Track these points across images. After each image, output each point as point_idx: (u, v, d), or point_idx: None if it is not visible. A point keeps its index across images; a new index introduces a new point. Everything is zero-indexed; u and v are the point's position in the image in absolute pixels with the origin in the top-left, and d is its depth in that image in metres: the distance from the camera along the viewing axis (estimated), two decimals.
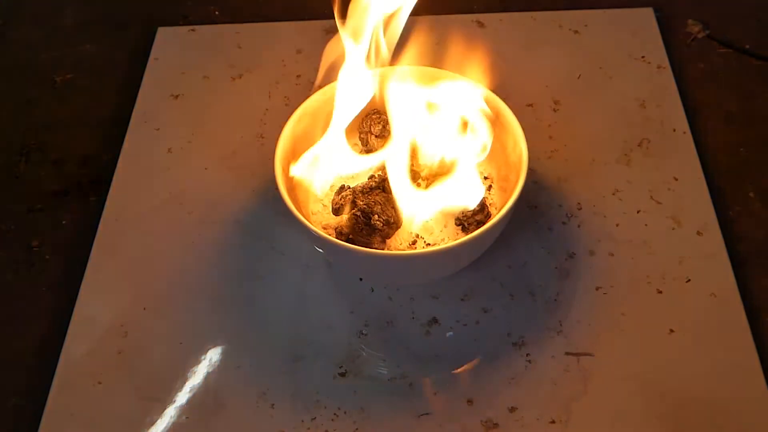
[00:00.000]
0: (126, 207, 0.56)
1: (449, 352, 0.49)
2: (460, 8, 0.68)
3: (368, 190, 0.49)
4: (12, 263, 0.56)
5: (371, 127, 0.52)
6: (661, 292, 0.50)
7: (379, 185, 0.49)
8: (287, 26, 0.68)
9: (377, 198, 0.48)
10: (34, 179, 0.60)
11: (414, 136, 0.50)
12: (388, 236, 0.48)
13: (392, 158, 0.48)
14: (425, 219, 0.49)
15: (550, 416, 0.46)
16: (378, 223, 0.47)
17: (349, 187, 0.49)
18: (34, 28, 0.72)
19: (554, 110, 0.60)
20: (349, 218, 0.47)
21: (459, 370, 0.48)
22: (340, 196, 0.49)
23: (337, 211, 0.49)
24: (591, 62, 0.63)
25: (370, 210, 0.47)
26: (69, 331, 0.51)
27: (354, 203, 0.48)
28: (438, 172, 0.50)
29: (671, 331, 0.49)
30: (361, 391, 0.47)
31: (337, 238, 0.47)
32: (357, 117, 0.51)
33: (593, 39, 0.65)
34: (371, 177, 0.50)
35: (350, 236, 0.47)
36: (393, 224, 0.48)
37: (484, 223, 0.46)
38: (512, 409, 0.46)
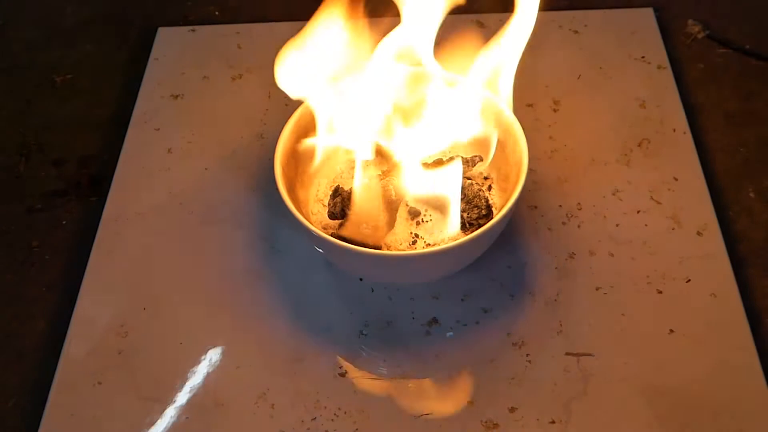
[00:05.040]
0: (126, 207, 0.56)
1: (449, 352, 0.49)
2: (460, 8, 0.68)
3: None
4: (12, 263, 0.56)
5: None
6: (661, 292, 0.50)
7: None
8: (287, 26, 0.67)
9: None
10: (34, 179, 0.60)
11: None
12: (382, 237, 0.48)
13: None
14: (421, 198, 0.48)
15: (550, 416, 0.46)
16: (367, 230, 0.47)
17: (344, 190, 0.49)
18: (34, 28, 0.72)
19: (554, 110, 0.60)
20: (338, 226, 0.47)
21: (459, 370, 0.48)
22: (334, 201, 0.49)
23: (333, 215, 0.49)
24: (591, 62, 0.63)
25: None
26: (69, 331, 0.51)
27: (343, 211, 0.48)
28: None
29: (671, 331, 0.49)
30: (361, 391, 0.47)
31: (336, 238, 0.46)
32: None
33: (593, 39, 0.65)
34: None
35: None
36: (385, 225, 0.48)
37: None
38: (512, 409, 0.46)
